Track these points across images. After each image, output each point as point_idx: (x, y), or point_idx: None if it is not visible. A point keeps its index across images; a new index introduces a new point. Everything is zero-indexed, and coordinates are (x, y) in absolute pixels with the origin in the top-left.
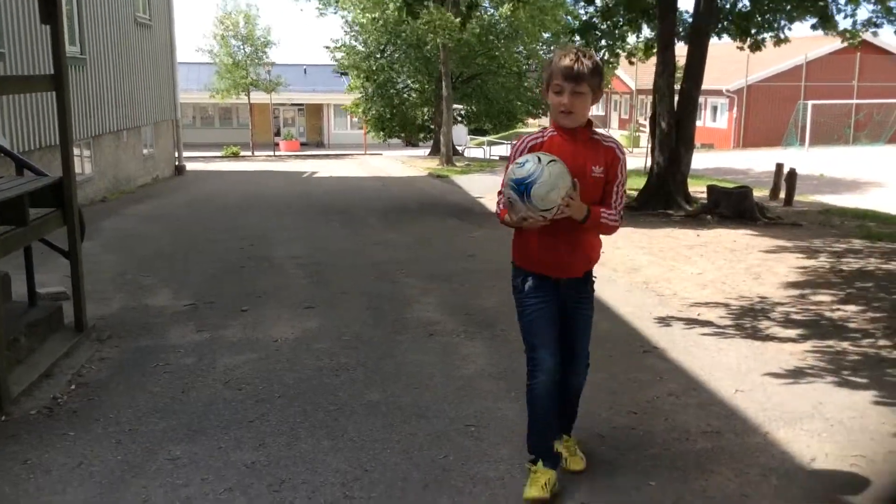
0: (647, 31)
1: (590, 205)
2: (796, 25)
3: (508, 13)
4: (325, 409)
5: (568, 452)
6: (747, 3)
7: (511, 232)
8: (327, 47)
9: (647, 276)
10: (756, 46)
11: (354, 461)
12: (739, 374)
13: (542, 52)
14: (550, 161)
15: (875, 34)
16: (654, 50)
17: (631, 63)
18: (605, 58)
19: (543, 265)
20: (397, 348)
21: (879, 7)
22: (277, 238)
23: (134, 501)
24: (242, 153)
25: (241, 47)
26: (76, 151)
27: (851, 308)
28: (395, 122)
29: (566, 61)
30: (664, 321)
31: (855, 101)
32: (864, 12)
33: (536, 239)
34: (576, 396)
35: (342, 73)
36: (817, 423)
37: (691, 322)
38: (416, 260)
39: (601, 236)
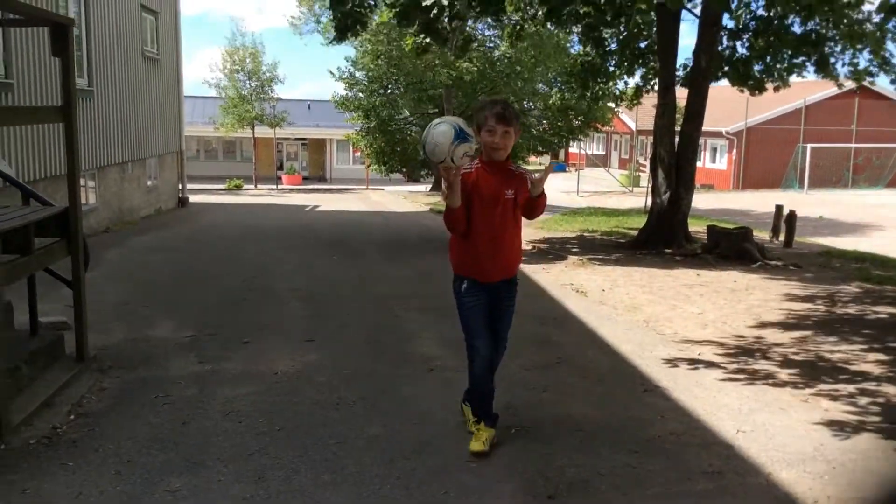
0: (634, 79)
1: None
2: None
3: (508, 50)
4: (325, 443)
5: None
6: (746, 52)
7: None
8: (331, 72)
9: (647, 314)
10: (759, 90)
11: (354, 496)
12: (741, 415)
13: (542, 90)
14: (437, 123)
15: (872, 83)
16: (642, 95)
17: (617, 106)
18: (597, 98)
19: (472, 271)
20: (398, 382)
21: (872, 58)
22: (279, 271)
23: None
24: (245, 186)
25: (247, 82)
26: (80, 182)
27: (853, 350)
28: (396, 157)
29: (497, 109)
30: (665, 360)
31: (854, 146)
32: (861, 61)
33: (465, 252)
34: (491, 376)
35: (344, 110)
36: (819, 464)
37: (692, 361)
38: (416, 294)
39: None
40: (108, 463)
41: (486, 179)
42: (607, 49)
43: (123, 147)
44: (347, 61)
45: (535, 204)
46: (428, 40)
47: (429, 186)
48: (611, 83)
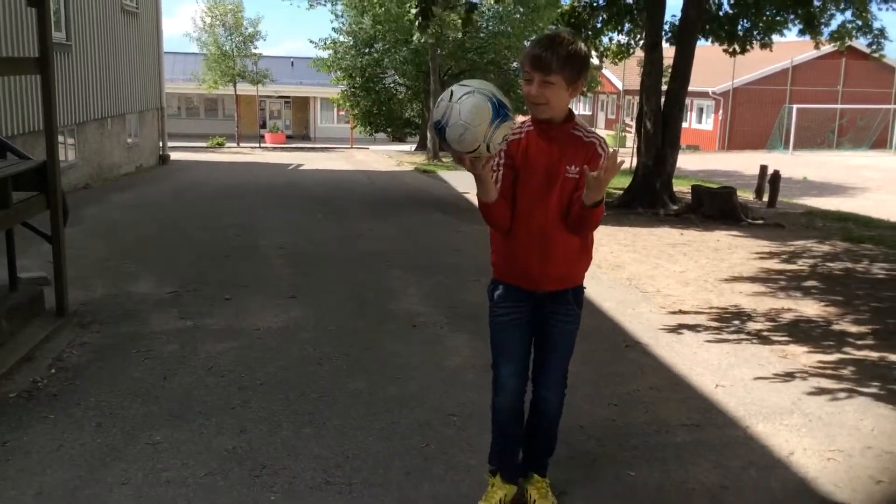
0: (622, 35)
1: (570, 204)
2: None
3: (493, 5)
4: (308, 398)
5: (538, 494)
6: (731, 10)
7: None
8: (312, 42)
9: (630, 273)
10: (742, 49)
11: (336, 448)
12: (720, 370)
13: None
14: (464, 94)
15: (846, 46)
16: (630, 52)
17: (615, 63)
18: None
19: (512, 275)
20: (381, 339)
21: (854, 18)
22: (262, 228)
23: (114, 483)
24: (228, 144)
25: (230, 37)
26: (60, 138)
27: (832, 308)
28: (381, 117)
29: (536, 49)
30: (647, 317)
31: (840, 106)
32: (839, 21)
33: (506, 245)
34: (550, 426)
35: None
36: (797, 418)
37: (674, 319)
38: (401, 252)
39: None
40: (88, 416)
41: (540, 148)
42: (594, 4)
43: (102, 103)
44: (335, 26)
45: (585, 216)
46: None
47: (413, 146)
48: (597, 39)
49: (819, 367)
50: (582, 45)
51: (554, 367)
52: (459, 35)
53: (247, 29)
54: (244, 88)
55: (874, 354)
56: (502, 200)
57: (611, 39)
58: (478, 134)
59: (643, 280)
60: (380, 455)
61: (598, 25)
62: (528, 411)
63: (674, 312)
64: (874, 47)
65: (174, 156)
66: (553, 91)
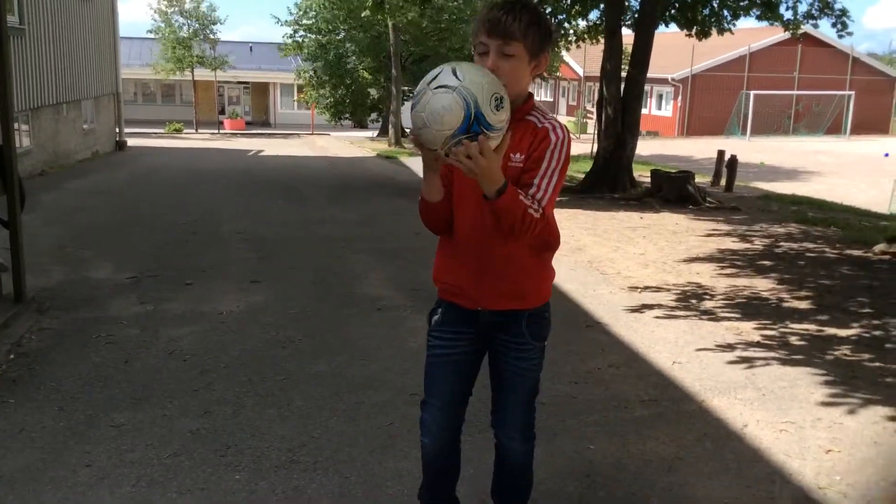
0: (593, 15)
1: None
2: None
3: None
4: (272, 380)
5: None
6: None
7: None
8: (275, 17)
9: (591, 255)
10: (702, 34)
11: (301, 428)
12: (677, 348)
13: None
14: (444, 88)
15: (815, 26)
16: (599, 34)
17: (578, 46)
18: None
19: (449, 288)
20: (344, 322)
21: (817, 1)
22: (223, 214)
23: (78, 465)
24: (186, 131)
25: (186, 24)
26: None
27: (785, 288)
28: (346, 102)
29: (495, 12)
30: (607, 298)
31: (796, 93)
32: (803, 5)
33: (443, 256)
34: (515, 479)
35: (293, 53)
36: (750, 392)
37: (633, 299)
38: (362, 237)
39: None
40: (50, 400)
41: None
42: None
43: (58, 88)
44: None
45: (494, 213)
46: None
47: (375, 132)
48: (565, 24)
49: (771, 343)
50: (546, 15)
51: (510, 410)
52: (414, 16)
53: (206, 16)
54: (202, 74)
55: (824, 331)
56: (445, 202)
57: (578, 24)
58: (436, 138)
59: (603, 262)
60: (344, 434)
61: (566, 8)
62: (495, 455)
63: (633, 292)
64: (839, 27)
65: (131, 142)
66: (513, 65)
